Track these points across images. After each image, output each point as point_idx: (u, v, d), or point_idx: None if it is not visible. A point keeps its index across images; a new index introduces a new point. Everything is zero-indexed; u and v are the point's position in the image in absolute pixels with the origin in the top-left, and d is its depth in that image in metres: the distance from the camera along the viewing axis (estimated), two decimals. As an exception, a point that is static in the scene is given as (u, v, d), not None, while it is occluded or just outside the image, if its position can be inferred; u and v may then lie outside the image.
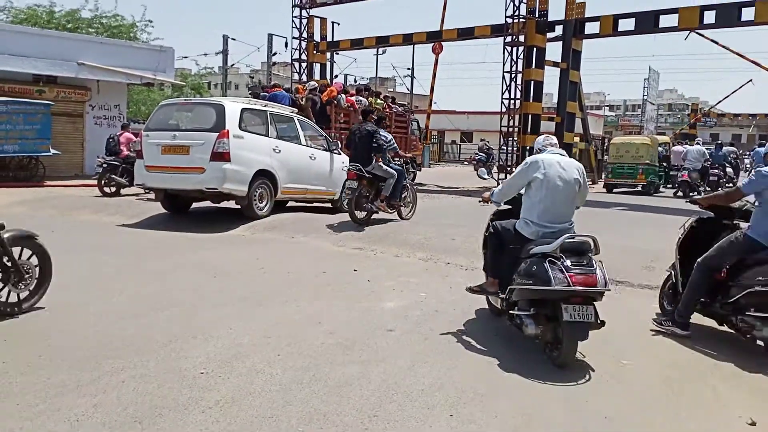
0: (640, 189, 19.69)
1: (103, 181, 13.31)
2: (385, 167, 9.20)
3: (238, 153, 8.98)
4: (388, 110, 17.14)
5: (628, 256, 7.51)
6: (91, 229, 9.37)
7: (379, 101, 17.10)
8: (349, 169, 9.18)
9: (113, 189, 13.38)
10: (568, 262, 4.06)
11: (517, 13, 18.50)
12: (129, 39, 24.78)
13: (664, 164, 20.82)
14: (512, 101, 19.03)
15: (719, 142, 22.81)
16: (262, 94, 14.42)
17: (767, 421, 3.33)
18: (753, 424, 3.29)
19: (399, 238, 8.65)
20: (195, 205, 10.99)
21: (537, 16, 18.59)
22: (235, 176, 9.00)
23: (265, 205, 9.66)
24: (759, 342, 4.36)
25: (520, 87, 18.90)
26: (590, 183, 21.08)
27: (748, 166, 25.20)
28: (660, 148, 20.67)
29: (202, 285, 6.00)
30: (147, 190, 10.29)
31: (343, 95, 15.34)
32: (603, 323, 4.11)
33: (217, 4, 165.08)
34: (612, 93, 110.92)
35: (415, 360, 4.06)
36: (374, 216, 9.28)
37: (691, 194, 17.09)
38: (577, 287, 3.95)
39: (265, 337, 4.41)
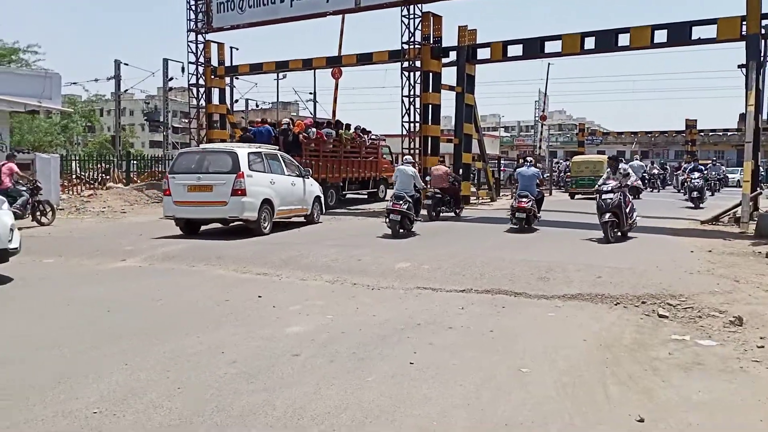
0: None
1: None
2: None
3: (250, 188, 11.50)
4: (358, 139, 20.65)
5: (526, 268, 7.85)
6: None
7: (349, 132, 20.18)
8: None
9: None
10: (392, 202, 11.79)
11: (412, 39, 19.01)
12: (9, 64, 23.30)
13: None
14: (412, 124, 19.48)
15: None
16: (250, 129, 17.63)
17: (654, 416, 3.54)
18: (641, 420, 3.49)
19: (305, 261, 8.60)
20: (86, 235, 10.57)
21: (432, 42, 19.17)
22: (250, 206, 11.54)
23: (268, 225, 12.08)
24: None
25: (419, 110, 19.38)
26: (489, 200, 22.13)
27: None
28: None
29: (95, 320, 5.69)
30: (176, 221, 12.21)
31: (314, 128, 18.31)
32: (414, 220, 12.25)
33: (107, 28, 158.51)
34: (506, 115, 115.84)
35: (321, 383, 4.02)
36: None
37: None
38: (392, 209, 11.63)
39: (164, 371, 4.23)
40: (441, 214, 15.36)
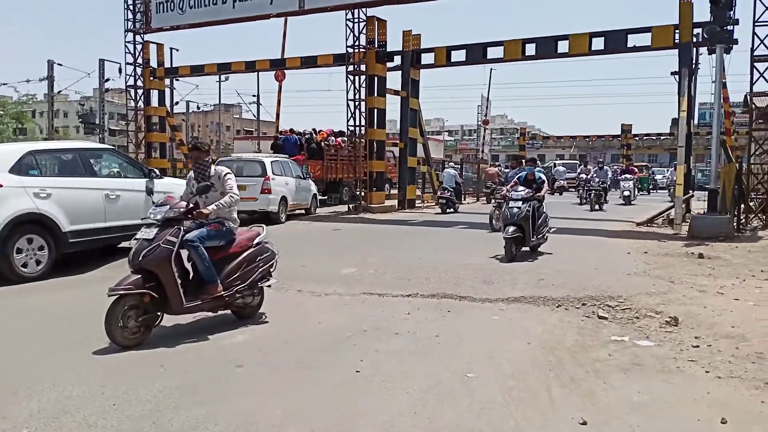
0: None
1: None
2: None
3: (273, 188, 15.11)
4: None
5: (470, 272, 7.92)
6: None
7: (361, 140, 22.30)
8: (444, 188, 20.04)
9: None
10: (440, 192, 20.52)
11: (357, 43, 19.01)
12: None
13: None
14: (358, 128, 19.46)
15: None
16: (280, 137, 21.46)
17: (596, 419, 3.60)
18: (584, 423, 3.54)
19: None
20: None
21: (376, 46, 19.23)
22: (273, 202, 15.13)
23: (283, 216, 15.61)
24: None
25: (364, 114, 19.39)
26: (434, 204, 22.39)
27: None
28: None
29: (26, 332, 5.41)
30: None
31: (333, 137, 21.72)
32: (455, 203, 20.09)
33: (40, 27, 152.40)
34: (450, 119, 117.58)
35: (266, 394, 3.93)
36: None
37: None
38: (441, 195, 20.08)
39: (99, 387, 4.04)
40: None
